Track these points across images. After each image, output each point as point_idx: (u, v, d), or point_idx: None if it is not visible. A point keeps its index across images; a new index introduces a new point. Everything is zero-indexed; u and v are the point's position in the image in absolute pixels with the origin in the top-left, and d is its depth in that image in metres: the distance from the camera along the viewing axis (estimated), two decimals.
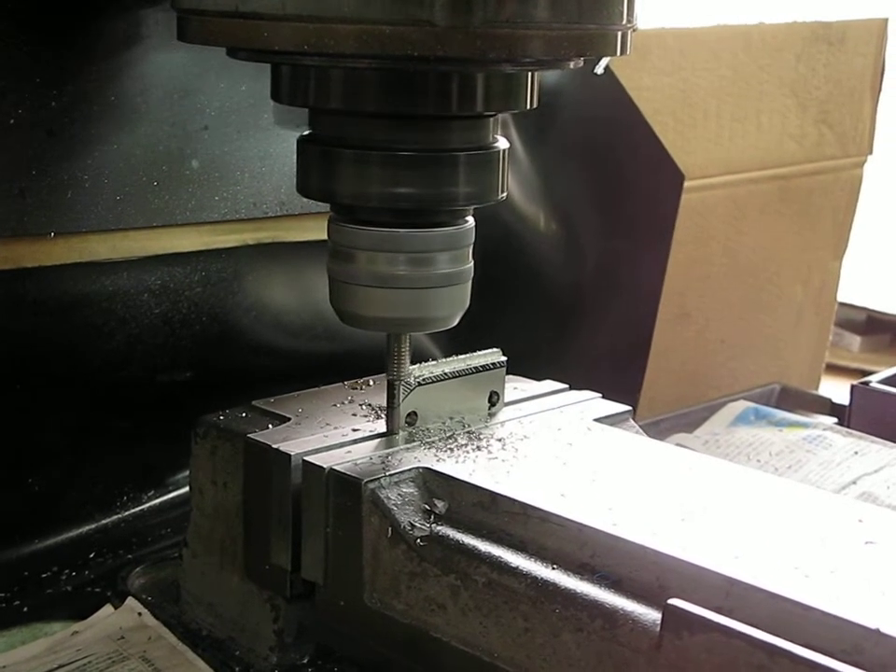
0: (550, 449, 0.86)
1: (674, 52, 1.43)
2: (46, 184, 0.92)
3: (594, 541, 0.74)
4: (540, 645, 0.72)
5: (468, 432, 0.88)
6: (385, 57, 0.72)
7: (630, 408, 0.95)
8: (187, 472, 1.08)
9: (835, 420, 1.39)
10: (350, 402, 0.94)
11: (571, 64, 0.79)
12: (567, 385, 0.99)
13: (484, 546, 0.76)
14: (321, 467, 0.82)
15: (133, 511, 1.06)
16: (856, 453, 1.22)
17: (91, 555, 1.02)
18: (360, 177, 0.80)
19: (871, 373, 1.57)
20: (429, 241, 0.81)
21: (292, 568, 0.84)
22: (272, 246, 1.07)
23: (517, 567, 0.74)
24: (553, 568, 0.73)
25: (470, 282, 0.84)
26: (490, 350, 0.93)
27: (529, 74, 0.80)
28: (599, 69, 1.17)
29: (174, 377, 1.04)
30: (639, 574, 0.71)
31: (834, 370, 2.02)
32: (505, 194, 0.83)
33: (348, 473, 0.81)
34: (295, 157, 0.83)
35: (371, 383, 0.97)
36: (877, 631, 0.62)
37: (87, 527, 1.04)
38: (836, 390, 1.68)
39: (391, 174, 0.79)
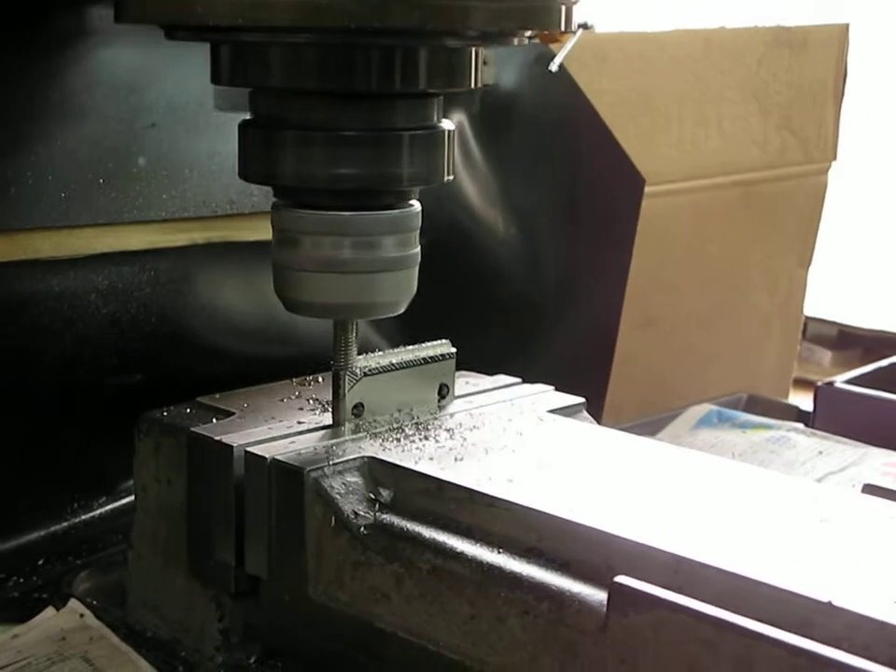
0: (499, 438, 0.84)
1: (633, 56, 1.42)
2: None
3: (540, 525, 0.72)
4: (486, 631, 0.70)
5: (415, 423, 0.87)
6: (322, 30, 0.70)
7: (584, 399, 0.93)
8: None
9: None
10: (297, 397, 0.92)
11: (515, 41, 0.77)
12: (519, 379, 0.97)
13: (429, 533, 0.74)
14: (263, 457, 0.80)
15: (83, 517, 1.04)
16: (820, 452, 1.20)
17: (40, 562, 0.99)
18: (302, 158, 0.78)
19: None
20: (374, 224, 0.79)
21: (236, 563, 0.82)
22: (222, 246, 1.05)
23: (461, 553, 0.72)
24: (499, 553, 0.71)
25: (417, 268, 0.82)
26: (439, 342, 0.91)
27: (473, 51, 0.79)
28: (554, 66, 1.16)
29: (123, 380, 1.02)
30: (587, 556, 0.69)
31: (805, 384, 2.00)
32: (451, 177, 0.81)
33: (290, 462, 0.79)
34: None
35: (321, 379, 0.95)
36: (829, 604, 0.60)
37: (36, 534, 1.01)
38: (806, 402, 1.66)
39: (333, 154, 0.78)
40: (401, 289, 0.82)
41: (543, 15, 0.75)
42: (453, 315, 1.23)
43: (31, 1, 0.94)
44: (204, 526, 0.84)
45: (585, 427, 0.89)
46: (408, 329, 1.20)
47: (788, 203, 1.66)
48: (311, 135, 0.78)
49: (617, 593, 0.64)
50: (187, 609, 0.87)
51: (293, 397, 0.92)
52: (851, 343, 2.40)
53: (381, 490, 0.78)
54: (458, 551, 0.72)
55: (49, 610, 0.88)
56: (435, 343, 0.91)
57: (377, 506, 0.77)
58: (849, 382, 1.30)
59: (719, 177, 1.56)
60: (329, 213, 0.79)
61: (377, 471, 0.79)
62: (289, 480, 0.78)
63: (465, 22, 0.71)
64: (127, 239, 0.98)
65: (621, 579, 0.64)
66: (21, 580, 0.97)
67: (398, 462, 0.79)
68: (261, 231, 1.06)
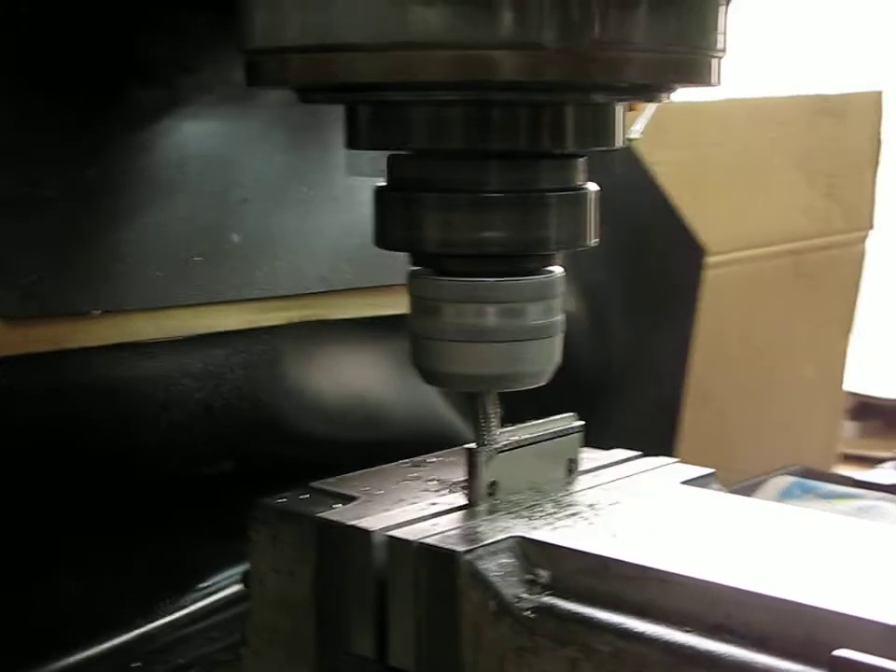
0: (647, 512, 0.80)
1: (687, 126, 1.40)
2: (86, 258, 0.86)
3: (726, 600, 0.67)
4: None
5: (552, 500, 0.82)
6: (481, 85, 0.67)
7: (714, 470, 0.89)
8: (229, 572, 1.02)
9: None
10: (416, 479, 0.87)
11: (663, 97, 0.75)
12: (640, 452, 0.93)
13: (602, 614, 0.70)
14: (408, 541, 0.75)
15: (176, 615, 0.99)
16: None
17: (136, 664, 0.94)
18: (446, 222, 0.75)
19: (871, 459, 1.50)
20: (521, 290, 0.76)
21: (377, 657, 0.77)
22: (312, 325, 1.01)
23: (645, 633, 0.67)
24: (687, 632, 0.67)
25: (562, 336, 0.79)
26: (565, 414, 0.87)
27: (618, 108, 0.76)
28: (636, 133, 1.14)
29: (215, 469, 0.97)
30: (786, 630, 0.65)
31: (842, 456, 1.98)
32: (597, 240, 0.78)
33: (440, 546, 0.74)
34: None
35: (433, 460, 0.91)
36: None
37: (126, 634, 0.96)
38: (858, 474, 1.64)
39: (479, 217, 0.74)
40: (547, 358, 0.78)
41: (698, 68, 0.72)
42: (522, 392, 1.20)
43: (119, 75, 0.90)
44: (337, 619, 0.79)
45: (728, 497, 0.85)
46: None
47: (832, 271, 1.64)
48: (455, 198, 0.74)
49: (840, 666, 0.59)
50: None
51: (411, 478, 0.87)
52: (871, 413, 2.38)
53: (538, 571, 0.74)
54: (640, 631, 0.68)
55: None
56: (560, 416, 0.87)
57: (537, 588, 0.73)
58: None
59: (771, 246, 1.54)
60: (473, 279, 0.76)
61: (530, 552, 0.75)
62: (440, 564, 0.74)
63: (628, 75, 0.68)
64: (224, 319, 0.94)
65: (841, 652, 0.60)
66: None
67: (552, 541, 0.74)
68: (353, 308, 1.02)
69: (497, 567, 0.74)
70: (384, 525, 0.77)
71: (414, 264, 0.78)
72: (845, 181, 1.60)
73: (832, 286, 1.64)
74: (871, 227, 1.65)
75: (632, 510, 0.80)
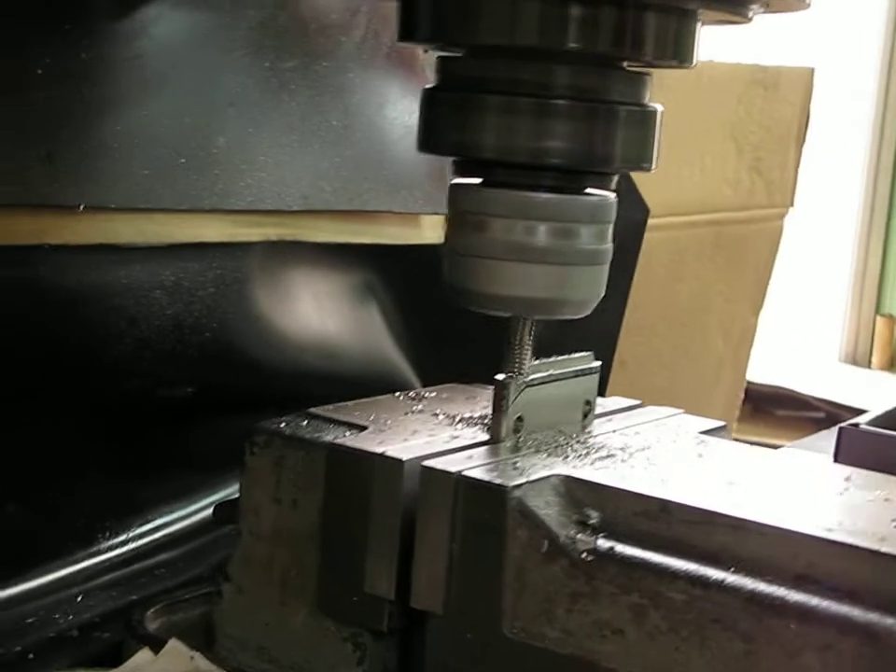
0: (682, 459, 0.75)
1: None
2: (76, 149, 0.77)
3: (808, 549, 0.63)
4: (768, 669, 0.60)
5: (577, 441, 0.77)
6: None
7: (726, 423, 0.85)
8: (178, 509, 0.94)
9: None
10: (421, 412, 0.81)
11: (750, 12, 0.70)
12: (640, 401, 0.89)
13: (672, 560, 0.65)
14: (448, 472, 0.69)
15: (118, 551, 0.90)
16: None
17: (79, 598, 0.85)
18: (505, 126, 0.68)
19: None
20: (576, 209, 0.70)
21: (395, 598, 0.71)
22: (286, 246, 0.93)
23: (725, 581, 0.63)
24: (769, 581, 0.62)
25: (608, 266, 0.73)
26: (581, 354, 0.82)
27: (697, 27, 0.71)
28: None
29: (173, 391, 0.89)
30: (878, 584, 0.61)
31: None
32: (656, 166, 0.73)
33: (487, 479, 0.68)
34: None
35: (429, 395, 0.85)
36: None
37: (67, 567, 0.87)
38: None
39: (541, 123, 0.68)
40: (595, 287, 0.73)
41: None
42: (455, 344, 1.15)
43: None
44: (349, 554, 0.72)
45: (751, 448, 0.81)
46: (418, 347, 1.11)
47: (750, 246, 1.63)
48: (518, 102, 0.68)
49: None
50: (309, 650, 0.75)
51: (415, 411, 0.81)
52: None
53: (588, 511, 0.68)
54: (719, 578, 0.63)
55: (145, 653, 0.75)
56: (577, 355, 0.82)
57: (589, 530, 0.67)
58: (872, 423, 1.26)
59: (696, 215, 1.51)
60: (526, 193, 0.70)
61: (579, 491, 0.69)
62: (485, 499, 0.67)
63: None
64: (203, 229, 0.86)
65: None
66: (71, 617, 0.82)
67: (604, 482, 0.69)
68: (330, 232, 0.95)
69: (544, 505, 0.68)
70: (415, 455, 0.70)
71: (459, 174, 0.72)
72: (771, 155, 1.58)
73: (748, 261, 1.62)
74: (791, 204, 1.64)
75: (665, 455, 0.76)
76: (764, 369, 2.39)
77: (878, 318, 3.95)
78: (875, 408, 1.19)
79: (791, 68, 1.59)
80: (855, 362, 3.90)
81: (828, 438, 1.48)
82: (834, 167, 3.77)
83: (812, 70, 1.62)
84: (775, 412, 2.61)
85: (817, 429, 2.12)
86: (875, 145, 3.95)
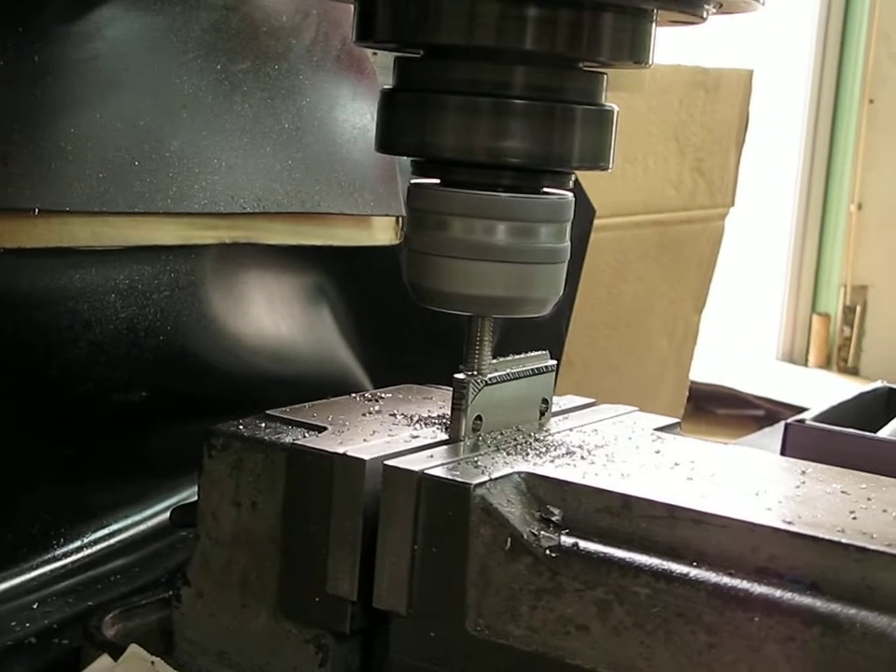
0: (639, 456, 0.76)
1: None
2: (30, 152, 0.76)
3: (769, 542, 0.64)
4: (732, 662, 0.61)
5: (535, 440, 0.77)
6: None
7: (679, 420, 0.86)
8: (133, 514, 0.94)
9: None
10: (378, 413, 0.81)
11: (705, 12, 0.71)
12: (594, 399, 0.89)
13: (635, 555, 0.65)
14: (411, 471, 0.69)
15: (75, 557, 0.89)
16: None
17: (35, 605, 0.84)
18: (464, 127, 0.69)
19: None
20: (535, 208, 0.71)
21: (357, 598, 0.71)
22: (239, 248, 0.93)
23: (689, 574, 0.63)
24: (731, 574, 0.63)
25: (566, 265, 0.74)
26: (536, 353, 0.82)
27: (652, 27, 0.71)
28: None
29: (127, 396, 0.88)
30: (839, 575, 0.62)
31: None
32: (613, 165, 0.74)
33: (449, 477, 0.68)
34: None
35: (384, 395, 0.85)
36: None
37: (24, 575, 0.86)
38: None
39: (500, 123, 0.68)
40: (553, 286, 0.73)
41: None
42: (404, 342, 1.15)
43: None
44: (310, 556, 0.72)
45: (706, 444, 0.82)
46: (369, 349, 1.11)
47: (692, 246, 1.64)
48: (477, 102, 0.69)
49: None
50: (270, 653, 0.75)
51: (373, 412, 0.81)
52: None
53: (550, 508, 0.69)
54: (682, 572, 0.63)
55: (105, 659, 0.74)
56: (532, 354, 0.82)
57: (551, 526, 0.68)
58: (818, 419, 1.27)
59: (640, 215, 1.52)
60: (486, 193, 0.70)
61: (541, 488, 0.70)
62: (449, 497, 0.68)
63: None
64: (158, 232, 0.85)
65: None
66: (28, 624, 0.81)
67: (566, 478, 0.69)
68: (283, 234, 0.94)
69: (507, 503, 0.68)
70: (375, 455, 0.70)
71: (419, 174, 0.72)
72: (712, 157, 1.60)
73: (690, 261, 1.64)
74: (732, 204, 1.66)
75: (624, 452, 0.76)
76: (704, 368, 2.40)
77: (815, 317, 4.00)
78: (814, 405, 1.21)
79: (731, 70, 1.61)
80: (792, 360, 3.94)
81: (770, 435, 1.51)
82: (769, 168, 3.81)
83: (751, 72, 1.64)
84: (716, 410, 2.64)
85: (757, 427, 2.14)
86: (808, 146, 3.99)
